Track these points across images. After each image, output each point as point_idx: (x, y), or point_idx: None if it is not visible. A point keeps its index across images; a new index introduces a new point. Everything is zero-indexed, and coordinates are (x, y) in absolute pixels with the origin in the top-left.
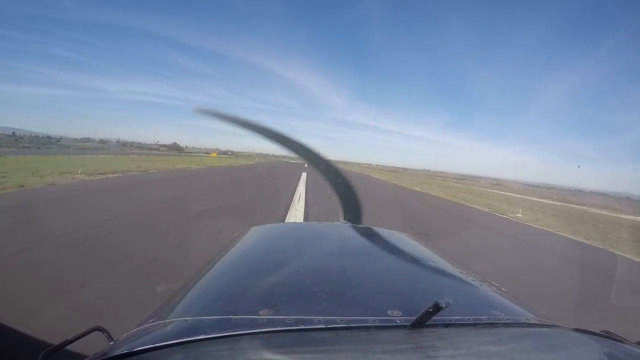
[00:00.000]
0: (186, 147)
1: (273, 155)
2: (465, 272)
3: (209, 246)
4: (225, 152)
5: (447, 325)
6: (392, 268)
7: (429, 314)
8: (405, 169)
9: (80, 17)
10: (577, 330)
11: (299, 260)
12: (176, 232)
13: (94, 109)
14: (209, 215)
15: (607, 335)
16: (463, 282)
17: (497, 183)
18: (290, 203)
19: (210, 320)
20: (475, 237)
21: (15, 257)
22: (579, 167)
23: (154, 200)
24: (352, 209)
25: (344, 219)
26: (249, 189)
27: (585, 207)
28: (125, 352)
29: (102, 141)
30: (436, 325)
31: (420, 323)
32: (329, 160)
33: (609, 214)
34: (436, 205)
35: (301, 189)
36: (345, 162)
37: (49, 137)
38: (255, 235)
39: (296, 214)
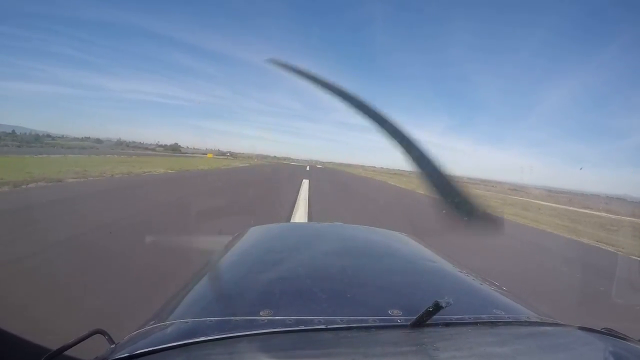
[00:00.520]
0: (187, 147)
1: (274, 157)
2: (466, 271)
3: None
4: (224, 153)
5: (447, 325)
6: (392, 268)
7: (429, 314)
8: (410, 173)
9: (85, 15)
10: (579, 328)
11: (299, 261)
12: None
13: (97, 108)
14: None
15: (609, 333)
16: (463, 281)
17: (514, 188)
18: None
19: (211, 321)
20: None
21: None
22: (580, 169)
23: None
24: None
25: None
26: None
27: None
28: (126, 355)
29: (98, 140)
30: (437, 325)
31: (421, 322)
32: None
33: None
34: (538, 245)
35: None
36: (348, 165)
37: (49, 135)
38: (254, 235)
39: None
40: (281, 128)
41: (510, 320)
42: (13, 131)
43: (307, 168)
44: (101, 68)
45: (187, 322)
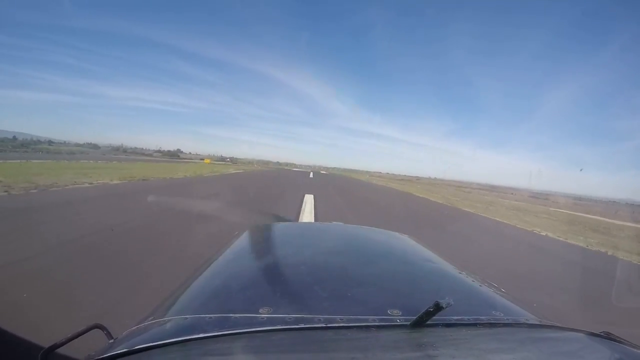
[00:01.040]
0: (190, 153)
1: (277, 162)
2: (465, 272)
3: None
4: (224, 159)
5: (447, 325)
6: (392, 268)
7: (429, 314)
8: (418, 178)
9: (85, 25)
10: (577, 331)
11: (299, 259)
12: None
13: (99, 115)
14: None
15: (607, 336)
16: (463, 282)
17: (534, 195)
18: None
19: (210, 318)
20: None
21: None
22: (581, 170)
23: None
24: None
25: None
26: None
27: None
28: (125, 350)
29: (94, 145)
30: (436, 325)
31: (421, 322)
32: None
33: None
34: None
35: None
36: (352, 170)
37: (50, 141)
38: (254, 234)
39: None
40: (283, 134)
41: (509, 322)
42: (14, 137)
43: (311, 175)
44: (103, 76)
45: (186, 318)
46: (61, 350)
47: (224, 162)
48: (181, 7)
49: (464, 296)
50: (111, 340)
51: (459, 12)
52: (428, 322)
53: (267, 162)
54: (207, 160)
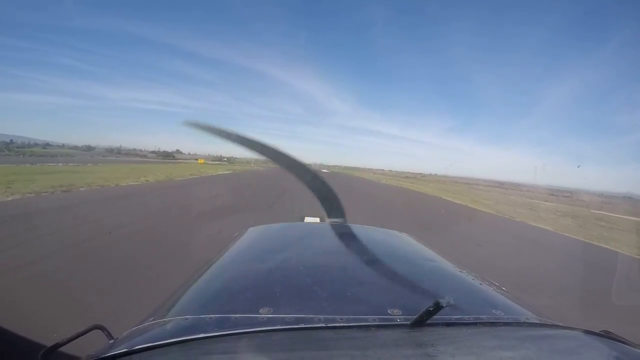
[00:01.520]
0: (189, 153)
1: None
2: (466, 271)
3: None
4: (220, 159)
5: (447, 324)
6: (392, 267)
7: (429, 313)
8: (422, 175)
9: (84, 25)
10: (576, 329)
11: (299, 259)
12: None
13: (98, 117)
14: None
15: (607, 335)
16: (463, 281)
17: (552, 193)
18: None
19: (211, 318)
20: None
21: None
22: (578, 166)
23: None
24: (334, 209)
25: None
26: None
27: None
28: (125, 350)
29: (89, 147)
30: (436, 324)
31: (421, 322)
32: (311, 168)
33: None
34: None
35: None
36: (354, 168)
37: (48, 144)
38: (254, 235)
39: None
40: (283, 133)
41: (509, 321)
42: (11, 140)
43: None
44: (102, 77)
45: (186, 318)
46: (62, 350)
47: (219, 162)
48: (179, 5)
49: (464, 295)
50: (111, 341)
51: (459, 9)
52: (428, 322)
53: (266, 161)
54: (200, 161)
